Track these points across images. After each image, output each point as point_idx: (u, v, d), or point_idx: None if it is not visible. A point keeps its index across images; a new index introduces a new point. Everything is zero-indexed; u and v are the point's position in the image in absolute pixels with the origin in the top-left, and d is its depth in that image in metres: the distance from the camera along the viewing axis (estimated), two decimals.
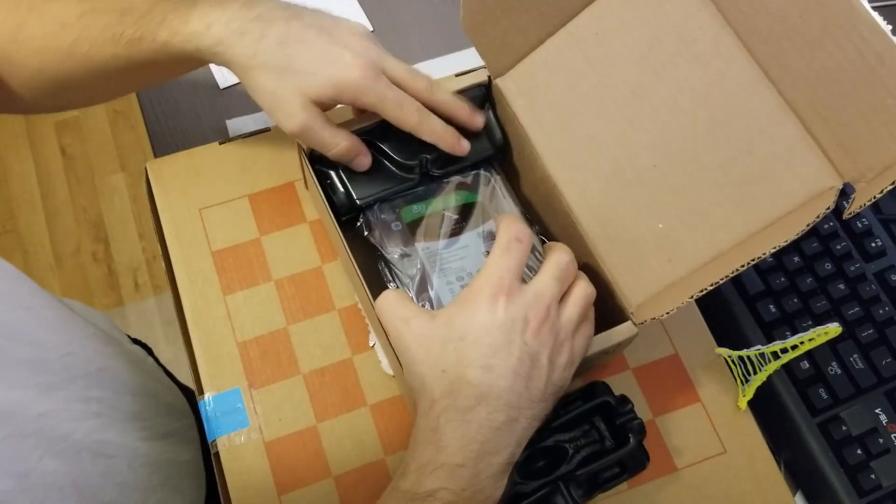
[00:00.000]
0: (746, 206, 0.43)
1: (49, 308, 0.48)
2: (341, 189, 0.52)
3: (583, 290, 0.44)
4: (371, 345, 0.53)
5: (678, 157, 0.45)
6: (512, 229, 0.43)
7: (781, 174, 0.42)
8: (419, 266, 0.50)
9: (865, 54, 0.38)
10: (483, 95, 0.54)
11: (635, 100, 0.47)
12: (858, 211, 0.38)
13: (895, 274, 0.58)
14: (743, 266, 0.40)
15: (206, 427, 0.51)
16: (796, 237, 0.39)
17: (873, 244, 0.59)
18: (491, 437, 0.39)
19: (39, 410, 0.42)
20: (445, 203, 0.53)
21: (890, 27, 0.37)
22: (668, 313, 0.43)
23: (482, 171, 0.54)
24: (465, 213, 0.53)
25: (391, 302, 0.44)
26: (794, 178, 0.42)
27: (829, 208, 0.39)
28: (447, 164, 0.53)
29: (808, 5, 0.40)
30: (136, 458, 0.49)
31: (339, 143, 0.49)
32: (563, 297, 0.43)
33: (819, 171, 0.41)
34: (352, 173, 0.52)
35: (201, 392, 0.51)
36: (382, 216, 0.52)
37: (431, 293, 0.49)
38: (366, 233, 0.52)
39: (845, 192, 0.40)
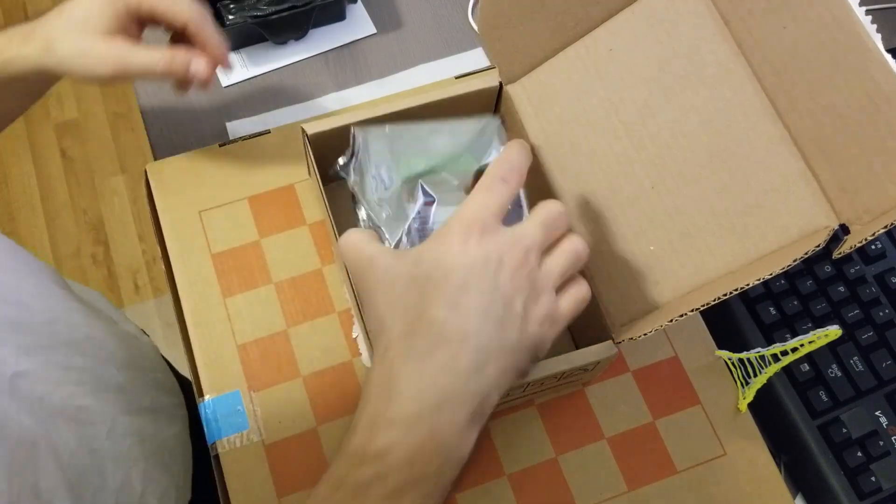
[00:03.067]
0: (738, 237, 0.43)
1: (33, 275, 0.49)
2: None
3: (573, 244, 0.39)
4: (354, 336, 0.53)
5: (676, 181, 0.45)
6: (500, 168, 0.39)
7: (777, 207, 0.42)
8: (405, 231, 0.45)
9: (873, 95, 0.38)
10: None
11: (640, 119, 0.47)
12: (848, 252, 0.38)
13: (895, 276, 0.58)
14: (724, 296, 0.40)
15: (205, 430, 0.51)
16: (781, 272, 0.39)
17: (873, 246, 0.59)
18: (452, 383, 0.35)
19: (16, 370, 0.42)
20: (448, 164, 0.48)
21: None
22: (644, 335, 0.43)
23: (494, 141, 0.49)
24: (465, 179, 0.48)
25: (356, 241, 0.40)
26: (789, 212, 0.41)
27: (818, 247, 0.38)
28: None
29: (822, 40, 0.39)
30: (115, 427, 0.49)
31: (160, 56, 0.47)
32: (548, 248, 0.39)
33: (815, 208, 0.41)
34: None
35: (201, 394, 0.51)
36: (380, 169, 0.47)
37: None
38: (352, 178, 0.48)
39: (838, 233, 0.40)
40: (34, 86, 0.54)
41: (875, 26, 0.38)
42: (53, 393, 0.44)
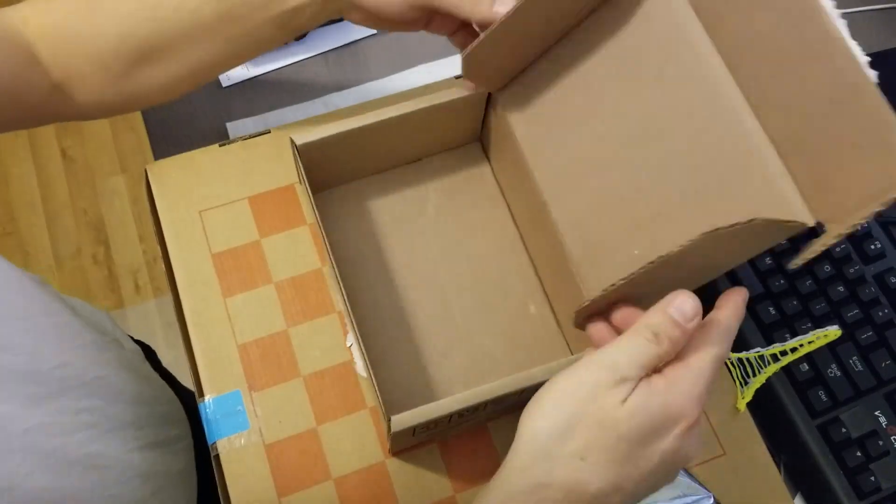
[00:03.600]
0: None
1: (46, 315, 0.47)
2: None
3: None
4: (348, 345, 0.53)
5: (657, 182, 0.44)
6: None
7: (757, 208, 0.40)
8: None
9: (840, 86, 0.36)
10: None
11: (617, 120, 0.46)
12: (822, 250, 0.36)
13: (894, 276, 0.58)
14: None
15: (206, 429, 0.51)
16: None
17: (872, 246, 0.59)
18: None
19: (26, 425, 0.41)
20: None
21: (866, 59, 0.34)
22: None
23: None
24: None
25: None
26: (769, 212, 0.40)
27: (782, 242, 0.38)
28: None
29: (789, 28, 0.38)
30: (127, 469, 0.48)
31: None
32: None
33: (793, 206, 0.39)
34: None
35: (202, 394, 0.51)
36: None
37: None
38: None
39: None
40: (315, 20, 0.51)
41: (839, 12, 0.36)
42: (68, 442, 0.44)
